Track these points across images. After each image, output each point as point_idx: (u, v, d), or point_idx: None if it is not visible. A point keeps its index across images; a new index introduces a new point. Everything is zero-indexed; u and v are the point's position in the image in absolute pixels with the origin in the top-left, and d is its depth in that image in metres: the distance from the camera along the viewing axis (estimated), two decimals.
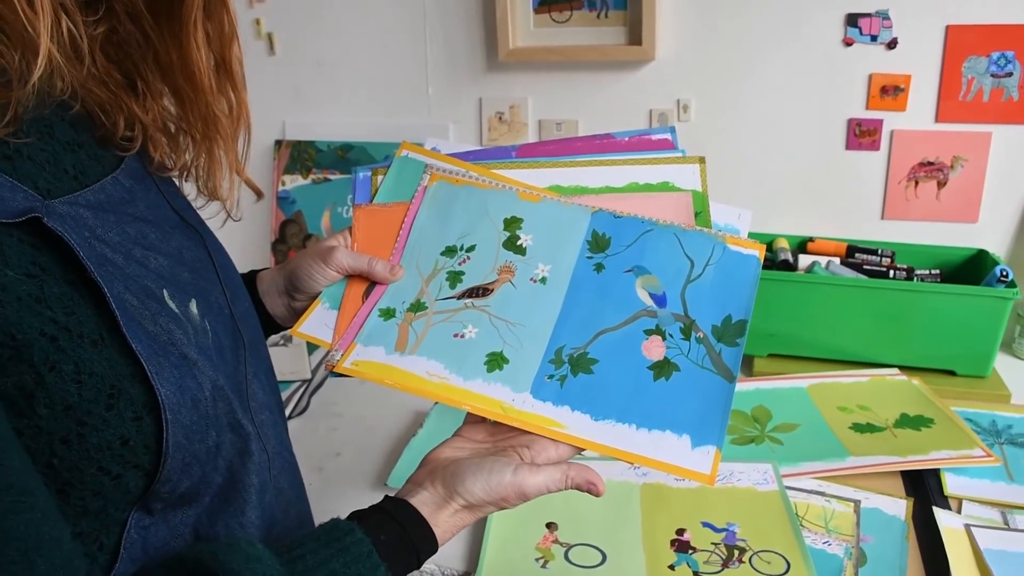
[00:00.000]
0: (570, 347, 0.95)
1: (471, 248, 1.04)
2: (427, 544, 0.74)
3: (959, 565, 1.04)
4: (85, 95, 0.65)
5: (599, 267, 1.01)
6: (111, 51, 0.68)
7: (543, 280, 1.01)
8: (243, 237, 2.02)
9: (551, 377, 0.93)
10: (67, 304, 0.56)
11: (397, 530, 0.72)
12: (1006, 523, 1.13)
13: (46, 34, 0.57)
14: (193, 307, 0.69)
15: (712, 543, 1.10)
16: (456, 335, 0.97)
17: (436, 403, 1.43)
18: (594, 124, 1.80)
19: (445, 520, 0.76)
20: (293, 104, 1.98)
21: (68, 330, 0.56)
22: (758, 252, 1.01)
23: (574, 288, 1.00)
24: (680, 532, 1.12)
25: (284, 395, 1.50)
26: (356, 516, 0.73)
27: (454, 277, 1.02)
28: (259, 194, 0.87)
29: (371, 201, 1.07)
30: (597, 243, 1.03)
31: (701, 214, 1.05)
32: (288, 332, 0.99)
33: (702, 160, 1.07)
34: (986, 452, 1.24)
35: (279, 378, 1.54)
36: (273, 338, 1.71)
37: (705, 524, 1.14)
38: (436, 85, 1.86)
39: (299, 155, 1.99)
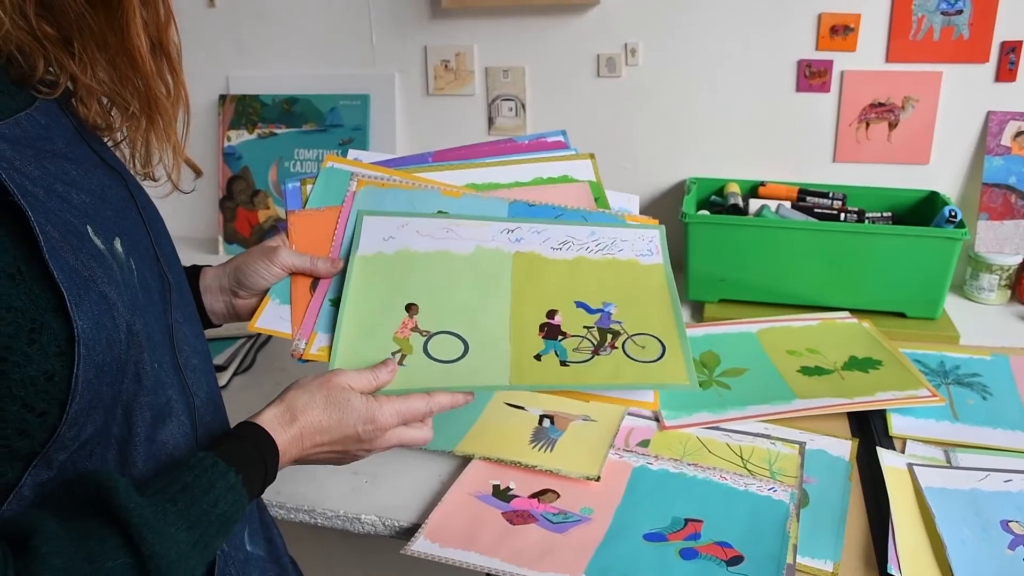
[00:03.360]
0: None
1: None
2: (272, 455, 0.80)
3: (900, 504, 1.04)
4: (3, 38, 0.63)
5: None
6: (45, 12, 0.66)
7: None
8: (190, 195, 1.97)
9: None
10: None
11: (247, 447, 0.78)
12: (948, 461, 1.13)
13: None
14: (118, 245, 0.67)
15: (584, 327, 1.04)
16: None
17: None
18: (541, 70, 1.77)
19: (286, 437, 0.82)
20: (236, 58, 1.93)
21: None
22: (658, 231, 1.19)
23: None
24: (551, 315, 1.06)
25: (230, 351, 1.48)
26: (217, 443, 0.78)
27: None
28: (198, 172, 0.90)
29: (302, 208, 1.16)
30: None
31: (600, 199, 1.22)
32: (247, 327, 1.06)
33: (592, 156, 1.26)
34: (931, 392, 1.24)
35: (224, 335, 1.52)
36: None
37: (579, 304, 1.07)
38: (380, 34, 1.81)
39: (244, 110, 1.94)
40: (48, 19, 0.65)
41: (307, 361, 1.05)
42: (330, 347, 1.03)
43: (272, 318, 1.06)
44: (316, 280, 1.10)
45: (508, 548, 0.99)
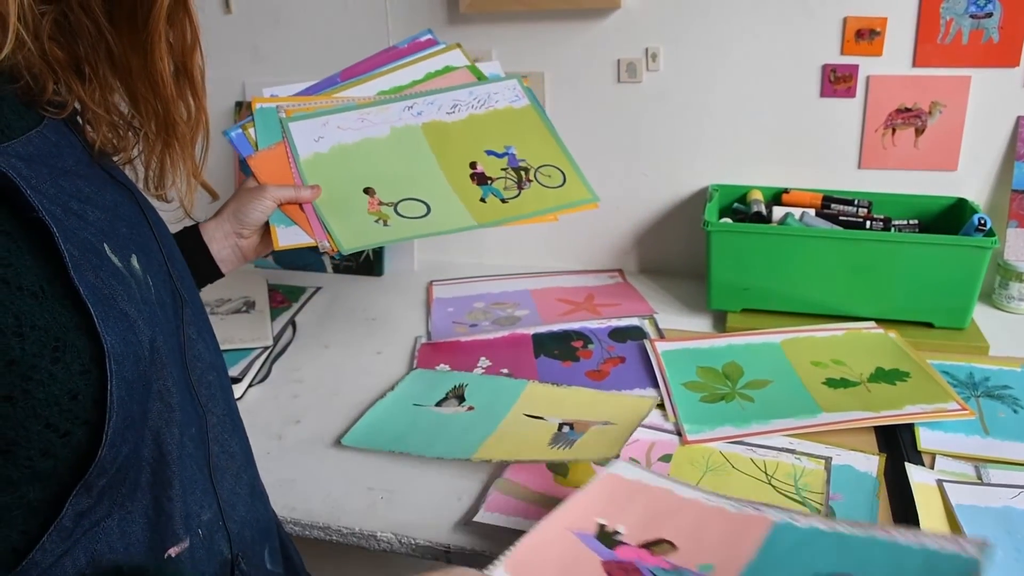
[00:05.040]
0: None
1: None
2: None
3: (929, 522, 1.01)
4: (22, 61, 0.62)
5: None
6: (59, 35, 0.65)
7: None
8: (205, 201, 1.96)
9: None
10: (2, 255, 0.54)
11: None
12: (979, 478, 1.10)
13: (14, 13, 0.57)
14: (135, 261, 0.67)
15: (502, 169, 1.34)
16: None
17: (415, 368, 1.46)
18: (561, 75, 1.75)
19: None
20: (252, 64, 1.92)
21: (6, 282, 0.53)
22: (515, 79, 1.47)
23: None
24: (473, 165, 1.35)
25: (245, 362, 1.46)
26: None
27: None
28: (214, 196, 0.93)
29: (255, 151, 1.33)
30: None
31: (480, 77, 1.47)
32: (271, 252, 1.26)
33: (459, 44, 1.51)
34: (961, 405, 1.21)
35: (241, 345, 1.51)
36: (234, 304, 1.67)
37: (489, 152, 1.36)
38: (398, 39, 1.78)
39: None
40: (59, 42, 0.64)
41: (342, 254, 1.32)
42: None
43: (289, 236, 1.24)
44: None
45: None
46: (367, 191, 1.30)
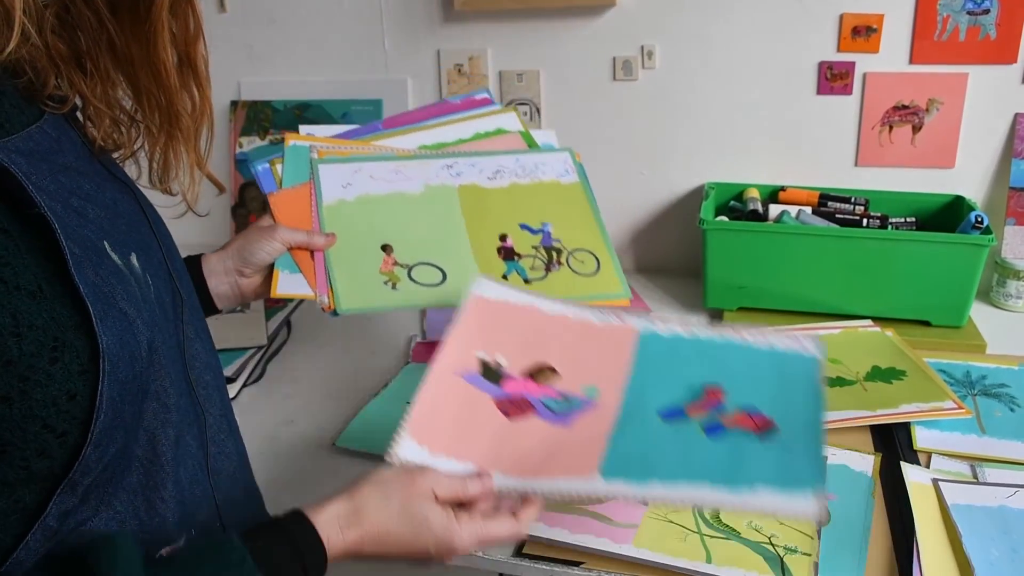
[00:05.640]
0: None
1: None
2: (317, 559, 0.73)
3: (925, 521, 1.00)
4: (18, 55, 0.61)
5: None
6: (61, 29, 0.65)
7: None
8: (202, 202, 1.96)
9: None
10: (0, 254, 0.54)
11: (285, 543, 0.72)
12: (975, 477, 1.09)
13: (19, 7, 0.57)
14: (134, 260, 0.66)
15: (532, 247, 1.23)
16: None
17: (406, 364, 1.46)
18: (557, 74, 1.74)
19: (342, 541, 0.75)
20: (247, 64, 1.91)
21: (3, 281, 0.53)
22: (568, 152, 1.37)
23: None
24: (503, 238, 1.23)
25: (239, 362, 1.46)
26: (251, 531, 0.72)
27: None
28: (221, 189, 0.89)
29: (279, 188, 1.24)
30: None
31: (532, 145, 1.39)
32: (269, 295, 1.16)
33: (515, 108, 1.48)
34: (957, 404, 1.20)
35: (235, 345, 1.50)
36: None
37: (523, 227, 1.25)
38: (392, 39, 1.79)
39: (256, 116, 1.93)
40: (61, 36, 0.64)
41: (338, 313, 1.15)
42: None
43: (290, 284, 1.16)
44: None
45: (509, 454, 0.85)
46: (385, 248, 1.20)
